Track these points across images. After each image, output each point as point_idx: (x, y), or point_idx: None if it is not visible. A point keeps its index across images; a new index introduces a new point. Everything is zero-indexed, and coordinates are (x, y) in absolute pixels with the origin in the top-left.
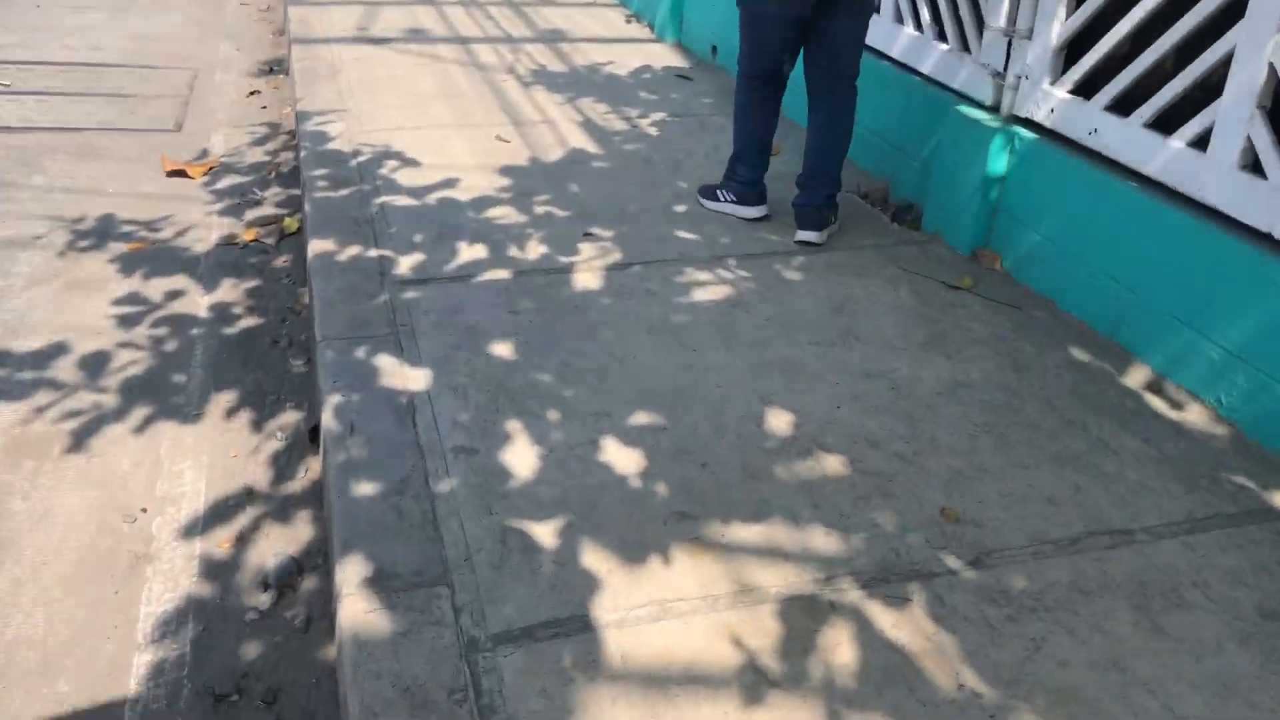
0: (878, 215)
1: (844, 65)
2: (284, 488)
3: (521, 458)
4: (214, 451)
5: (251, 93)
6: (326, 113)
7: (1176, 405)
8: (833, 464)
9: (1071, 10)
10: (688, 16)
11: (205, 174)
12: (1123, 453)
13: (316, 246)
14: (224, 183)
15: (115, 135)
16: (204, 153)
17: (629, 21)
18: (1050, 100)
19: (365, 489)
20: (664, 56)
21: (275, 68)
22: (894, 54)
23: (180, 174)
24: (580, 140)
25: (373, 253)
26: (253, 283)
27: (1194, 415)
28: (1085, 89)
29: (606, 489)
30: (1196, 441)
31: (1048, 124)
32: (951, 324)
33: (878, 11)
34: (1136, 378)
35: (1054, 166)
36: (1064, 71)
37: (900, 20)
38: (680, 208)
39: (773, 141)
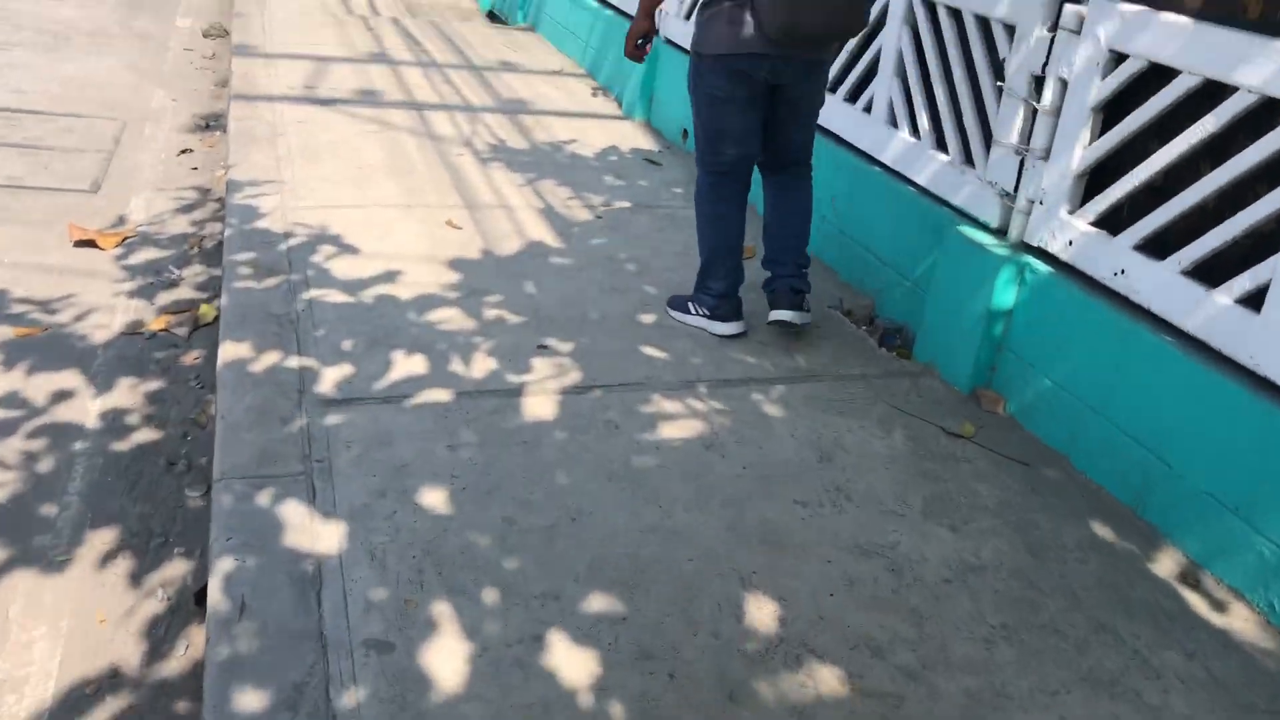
0: (863, 337)
1: (801, 144)
2: (158, 670)
3: (448, 659)
4: (78, 615)
5: (183, 151)
6: (260, 183)
7: (1219, 606)
8: (828, 679)
9: (1097, 133)
10: (657, 95)
11: (118, 245)
12: (1165, 673)
13: (229, 352)
14: (139, 256)
15: (22, 195)
16: (120, 220)
17: (595, 94)
18: (1068, 231)
19: (250, 700)
20: (632, 136)
21: (212, 123)
22: (886, 160)
23: (90, 244)
24: (539, 230)
25: (293, 361)
26: (155, 384)
27: (1241, 621)
28: (1111, 221)
29: (550, 711)
30: (1247, 658)
31: (1065, 257)
32: (955, 484)
33: (868, 111)
34: (1168, 565)
35: (1071, 306)
36: (1086, 200)
37: (894, 124)
38: (647, 317)
39: (743, 244)
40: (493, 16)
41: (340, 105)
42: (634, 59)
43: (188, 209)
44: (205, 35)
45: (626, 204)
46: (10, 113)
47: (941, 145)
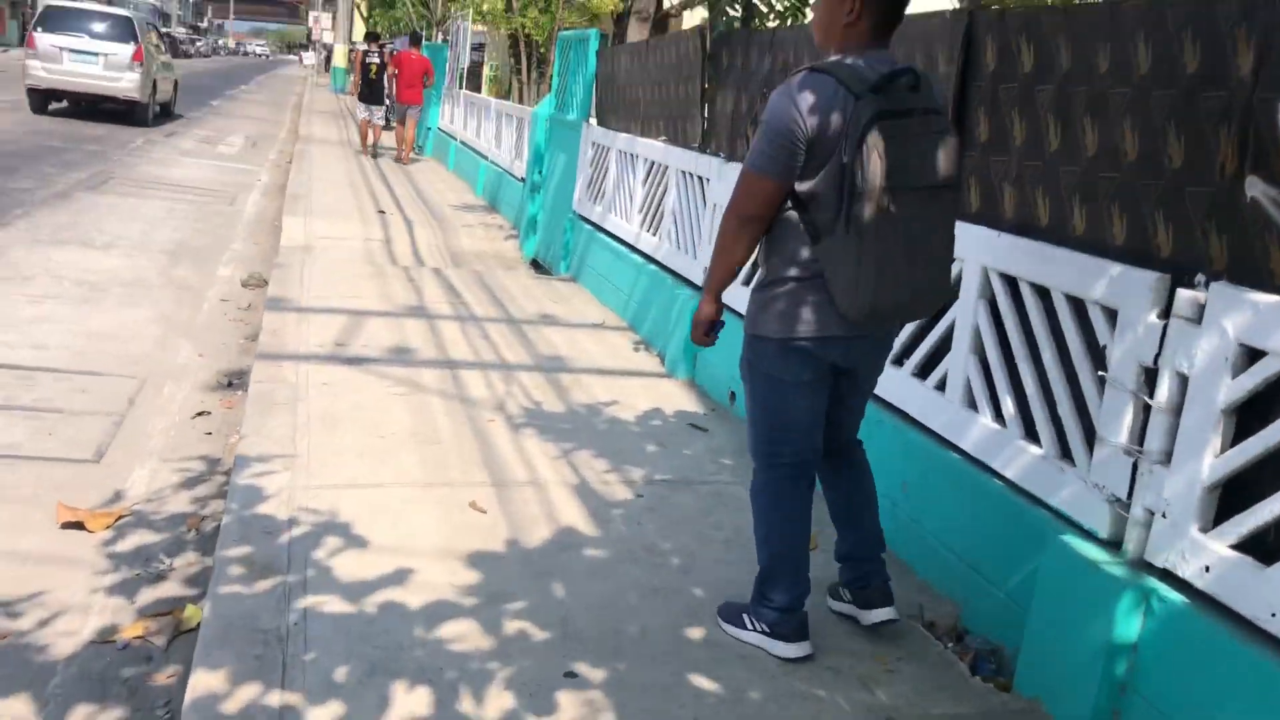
0: (951, 660)
1: (857, 422)
2: None
3: None
4: None
5: (199, 413)
6: (270, 458)
7: None
8: None
9: (1230, 440)
10: (702, 353)
11: (108, 527)
12: None
13: (200, 683)
14: (128, 541)
15: (17, 466)
16: (117, 495)
17: (637, 349)
18: (1203, 554)
19: None
20: (675, 398)
21: (235, 381)
22: (965, 446)
23: (78, 525)
24: (572, 512)
25: (274, 699)
26: (115, 714)
27: None
28: (1259, 544)
29: None
30: None
31: (1201, 585)
32: None
33: (940, 390)
34: None
35: (1215, 649)
36: (1223, 517)
37: (973, 406)
38: (695, 631)
39: (809, 548)
40: (536, 265)
41: (370, 364)
42: (702, 345)
43: (192, 483)
44: (244, 285)
45: (669, 478)
46: (26, 371)
47: (1032, 434)
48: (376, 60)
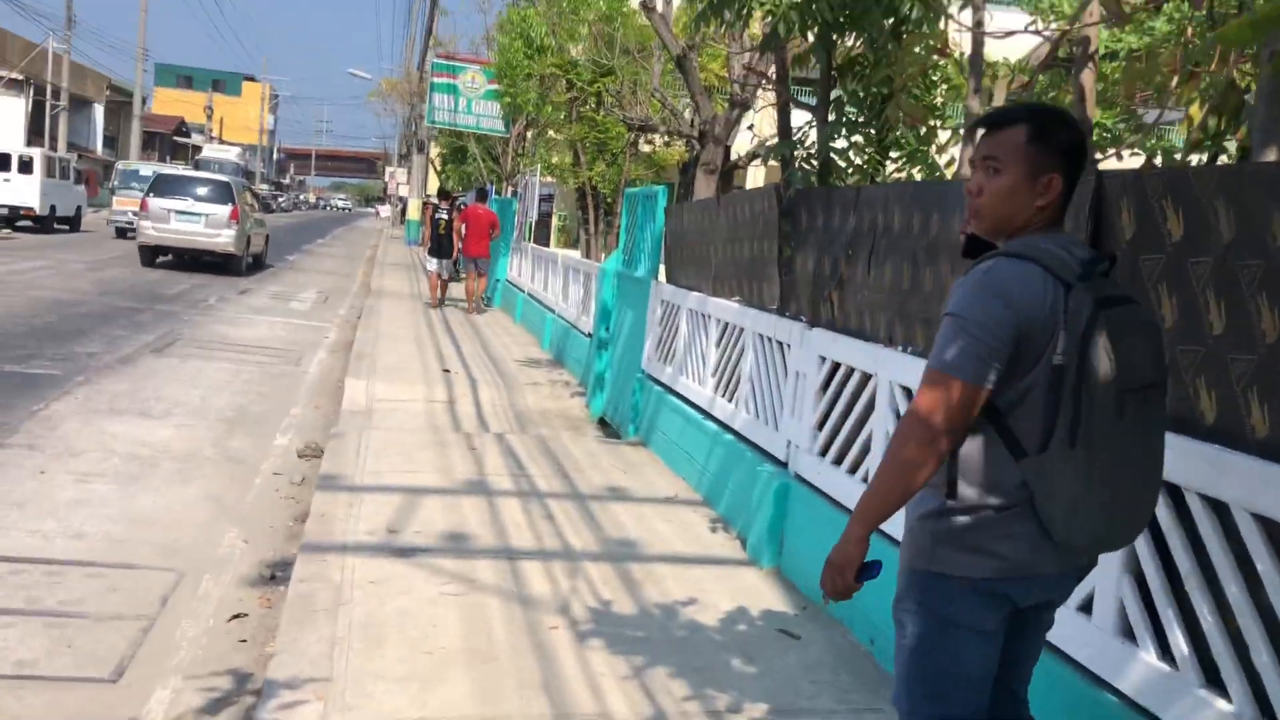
0: None
1: (1027, 675)
2: None
3: None
4: None
5: (235, 615)
6: (301, 683)
7: None
8: None
9: None
10: (791, 539)
11: None
12: None
13: None
14: None
15: (26, 689)
16: None
17: (714, 529)
18: None
19: None
20: (761, 592)
21: (279, 573)
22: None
23: None
24: None
25: None
26: None
27: None
28: None
29: None
30: None
31: None
32: None
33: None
34: None
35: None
36: None
37: (1132, 638)
38: None
39: None
40: (603, 424)
41: (422, 556)
42: (842, 597)
43: (216, 707)
44: (300, 456)
45: (762, 707)
46: (57, 566)
47: (1218, 687)
48: (446, 216)
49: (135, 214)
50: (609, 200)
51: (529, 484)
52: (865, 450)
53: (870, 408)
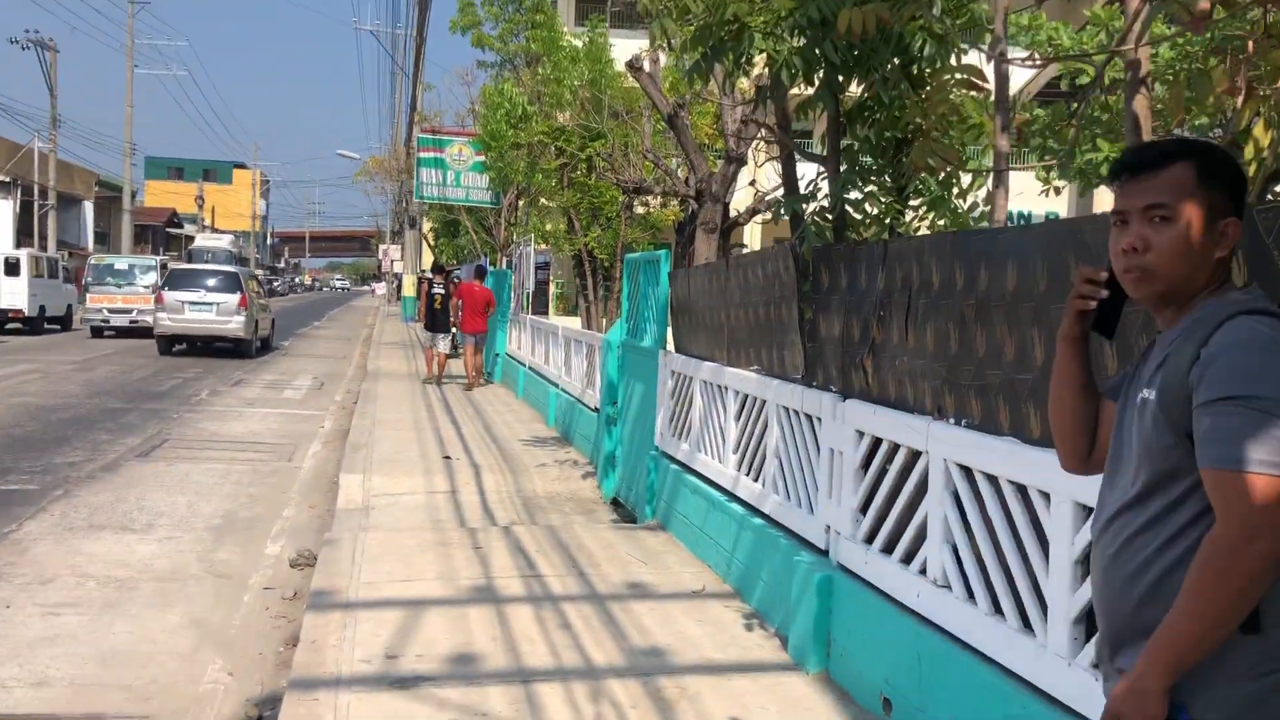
0: None
1: None
2: None
3: None
4: None
5: None
6: None
7: None
8: None
9: None
10: (840, 639)
11: None
12: None
13: None
14: None
15: None
16: None
17: (750, 627)
18: None
19: None
20: (812, 705)
21: (267, 713)
22: None
23: None
24: None
25: None
26: None
27: None
28: None
29: None
30: None
31: None
32: None
33: None
34: None
35: None
36: None
37: None
38: None
39: None
40: (617, 504)
41: (424, 686)
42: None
43: None
44: (293, 565)
45: None
46: None
47: None
48: (441, 291)
49: (140, 309)
50: (606, 265)
51: (541, 586)
52: (921, 536)
53: (922, 489)
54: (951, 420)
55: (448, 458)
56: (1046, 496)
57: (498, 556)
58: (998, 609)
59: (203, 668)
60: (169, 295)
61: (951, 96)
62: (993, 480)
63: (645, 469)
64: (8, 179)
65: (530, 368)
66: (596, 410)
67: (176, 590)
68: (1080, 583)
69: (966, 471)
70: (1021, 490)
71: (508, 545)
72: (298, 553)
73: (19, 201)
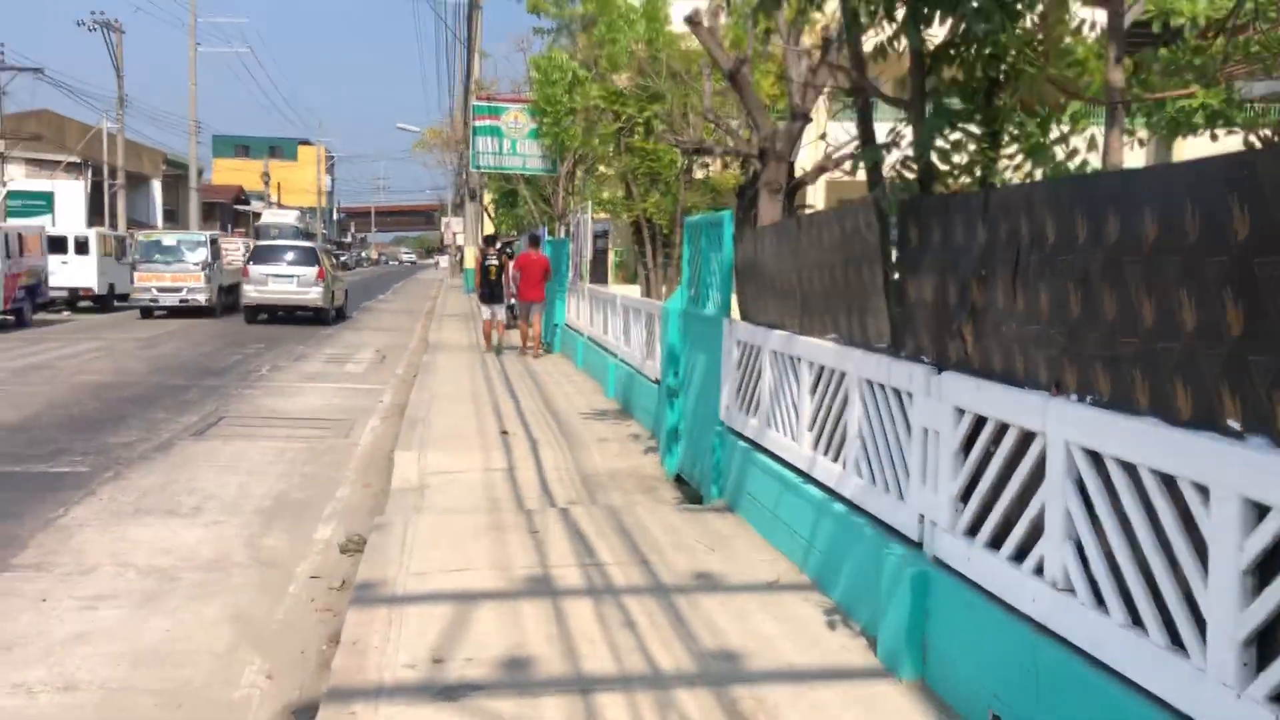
0: None
1: None
2: None
3: None
4: None
5: None
6: None
7: None
8: None
9: None
10: (938, 643)
11: None
12: None
13: None
14: None
15: None
16: None
17: (832, 624)
18: None
19: None
20: (903, 718)
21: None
22: None
23: None
24: None
25: None
26: None
27: None
28: None
29: None
30: None
31: None
32: None
33: None
34: None
35: None
36: None
37: None
38: None
39: None
40: (680, 481)
41: (472, 696)
42: None
43: None
44: (343, 551)
45: None
46: None
47: None
48: (495, 262)
49: (190, 288)
50: (665, 232)
51: (601, 576)
52: (1035, 532)
53: (1038, 477)
54: (1074, 397)
55: (505, 433)
56: (1203, 491)
57: (555, 542)
58: (1136, 620)
59: (240, 669)
60: (253, 269)
61: (1066, 18)
62: (1129, 469)
63: (710, 445)
64: (79, 160)
65: (589, 338)
66: (657, 382)
67: (219, 581)
68: (1253, 596)
69: (1094, 457)
70: (1169, 482)
71: (566, 529)
72: (347, 537)
73: (90, 182)
